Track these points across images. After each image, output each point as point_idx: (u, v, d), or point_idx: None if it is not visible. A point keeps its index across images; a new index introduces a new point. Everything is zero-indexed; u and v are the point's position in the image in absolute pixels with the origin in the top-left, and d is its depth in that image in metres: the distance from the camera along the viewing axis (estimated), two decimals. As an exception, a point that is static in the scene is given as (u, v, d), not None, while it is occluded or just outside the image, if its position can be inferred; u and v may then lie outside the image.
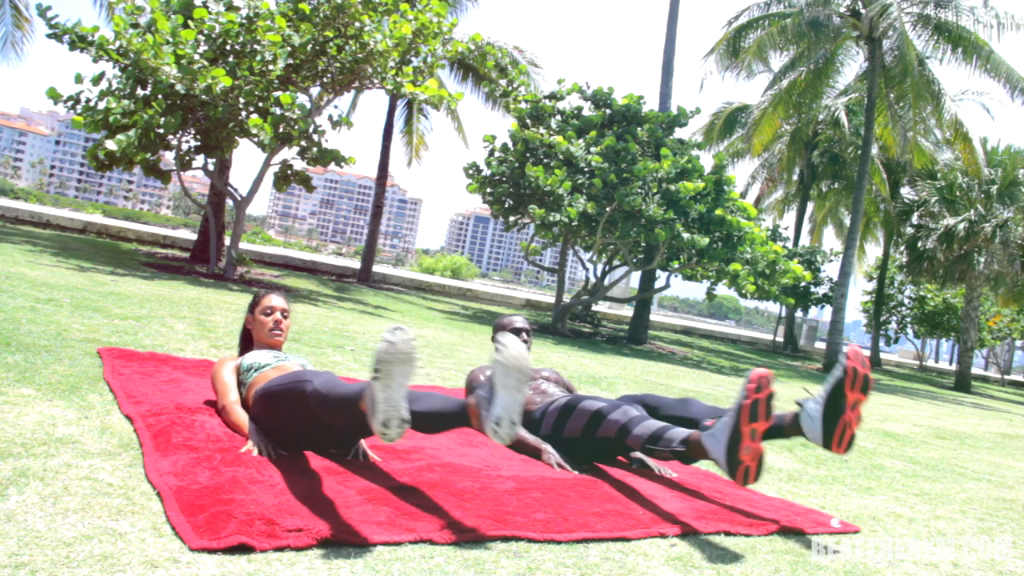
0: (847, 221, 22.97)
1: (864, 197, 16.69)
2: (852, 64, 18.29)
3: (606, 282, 13.33)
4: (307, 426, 2.37)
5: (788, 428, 2.53)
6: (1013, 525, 3.10)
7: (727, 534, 2.29)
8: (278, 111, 8.82)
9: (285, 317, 2.93)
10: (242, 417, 2.51)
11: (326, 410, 2.18)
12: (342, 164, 9.70)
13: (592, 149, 11.22)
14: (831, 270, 35.31)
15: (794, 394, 2.92)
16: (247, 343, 2.98)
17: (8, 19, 14.62)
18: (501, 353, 2.00)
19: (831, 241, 28.03)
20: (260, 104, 8.82)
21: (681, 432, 2.54)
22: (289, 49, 8.74)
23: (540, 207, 10.85)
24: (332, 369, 4.17)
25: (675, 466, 3.14)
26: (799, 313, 21.69)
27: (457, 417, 2.14)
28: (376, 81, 9.38)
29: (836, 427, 2.37)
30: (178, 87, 8.11)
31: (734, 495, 2.79)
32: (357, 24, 8.88)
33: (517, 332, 3.50)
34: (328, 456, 2.43)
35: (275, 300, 2.94)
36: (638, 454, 3.01)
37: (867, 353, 2.47)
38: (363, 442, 2.55)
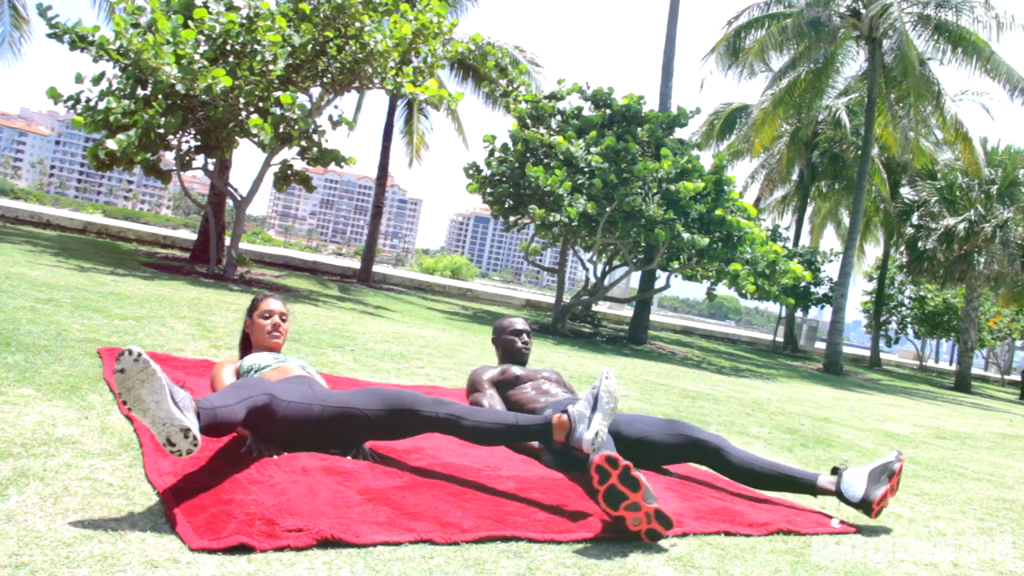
0: (847, 221, 22.97)
1: (864, 197, 16.69)
2: (852, 64, 18.30)
3: (606, 282, 13.33)
4: (303, 431, 2.36)
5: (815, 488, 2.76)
6: (1013, 525, 3.10)
7: (727, 534, 2.29)
8: (278, 111, 8.82)
9: (283, 320, 2.94)
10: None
11: (477, 436, 2.48)
12: (342, 164, 9.70)
13: (592, 149, 11.22)
14: (831, 270, 35.32)
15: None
16: (247, 347, 2.99)
17: (7, 19, 14.63)
18: (609, 379, 2.40)
19: (831, 241, 28.07)
20: (260, 104, 8.82)
21: (810, 475, 2.81)
22: (289, 49, 8.74)
23: (540, 207, 10.85)
24: (331, 370, 4.17)
25: (676, 466, 3.14)
26: (799, 313, 21.69)
27: (539, 431, 2.43)
28: (376, 81, 9.38)
29: (876, 499, 2.61)
30: (178, 87, 8.12)
31: (734, 495, 2.79)
32: (357, 24, 8.88)
33: (518, 333, 3.50)
34: (328, 456, 2.42)
35: (273, 304, 2.95)
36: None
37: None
38: (363, 443, 2.55)
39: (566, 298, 13.29)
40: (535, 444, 2.89)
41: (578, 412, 2.35)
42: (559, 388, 3.29)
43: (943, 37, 15.58)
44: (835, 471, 2.73)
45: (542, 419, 2.44)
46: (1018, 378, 20.08)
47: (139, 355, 1.79)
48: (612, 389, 2.39)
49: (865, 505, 2.60)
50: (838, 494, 2.66)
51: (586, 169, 11.05)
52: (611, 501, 2.12)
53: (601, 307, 18.96)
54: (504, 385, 3.29)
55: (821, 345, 20.83)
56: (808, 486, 2.73)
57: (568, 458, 2.86)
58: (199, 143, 9.24)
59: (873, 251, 26.02)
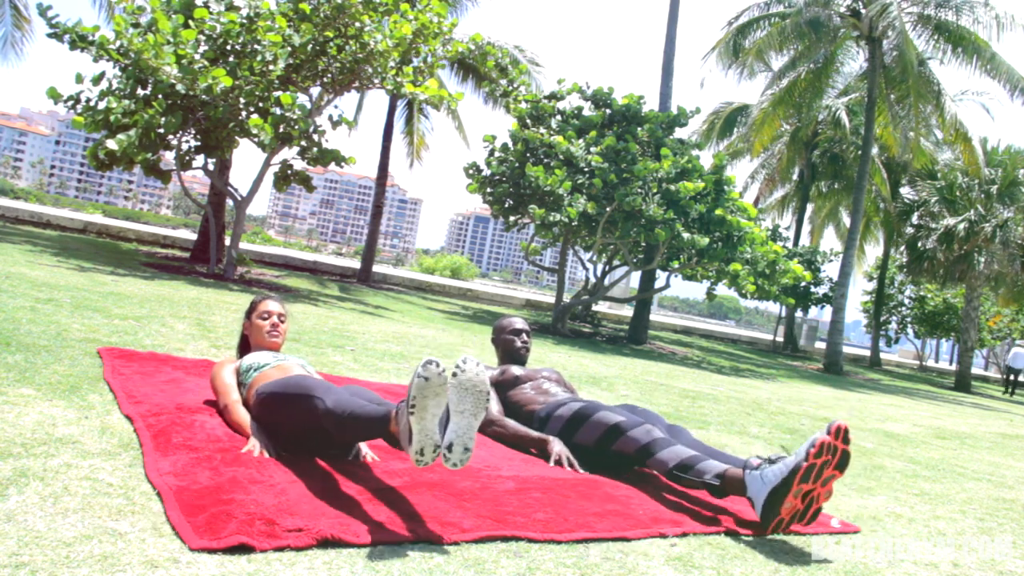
0: (847, 221, 22.98)
1: (864, 197, 16.69)
2: (852, 64, 18.30)
3: (606, 282, 13.33)
4: (311, 431, 2.37)
5: (732, 486, 2.42)
6: (1013, 525, 3.10)
7: (727, 534, 2.29)
8: (278, 111, 8.82)
9: (282, 321, 2.95)
10: (244, 416, 2.52)
11: (344, 431, 2.23)
12: (342, 164, 9.70)
13: (592, 149, 11.22)
14: (831, 270, 35.32)
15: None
16: (245, 349, 2.99)
17: (8, 19, 14.62)
18: (458, 376, 1.95)
19: (831, 241, 28.05)
20: (260, 104, 8.82)
21: (715, 465, 2.49)
22: (289, 49, 8.74)
23: (540, 207, 10.84)
24: (331, 370, 4.17)
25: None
26: (799, 313, 21.69)
27: (376, 427, 2.10)
28: (376, 81, 9.38)
29: (776, 512, 2.28)
30: (178, 87, 8.11)
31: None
32: (357, 24, 8.88)
33: (517, 333, 3.50)
34: (328, 456, 2.43)
35: (271, 305, 2.96)
36: None
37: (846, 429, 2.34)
38: (363, 443, 2.55)
39: (566, 298, 13.29)
40: (539, 437, 2.89)
41: (401, 410, 2.02)
42: (559, 388, 3.29)
43: (943, 37, 15.58)
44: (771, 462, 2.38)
45: (381, 414, 2.12)
46: (1014, 377, 20.07)
47: (443, 371, 1.93)
48: (465, 382, 1.96)
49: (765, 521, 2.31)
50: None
51: (586, 169, 11.04)
52: (806, 477, 2.23)
53: (601, 307, 18.96)
54: (504, 386, 3.29)
55: (821, 345, 20.83)
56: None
57: (578, 460, 2.86)
58: (199, 143, 9.23)
59: (873, 251, 26.03)
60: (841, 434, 2.28)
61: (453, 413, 1.96)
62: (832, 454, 2.27)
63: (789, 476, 2.25)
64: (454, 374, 1.97)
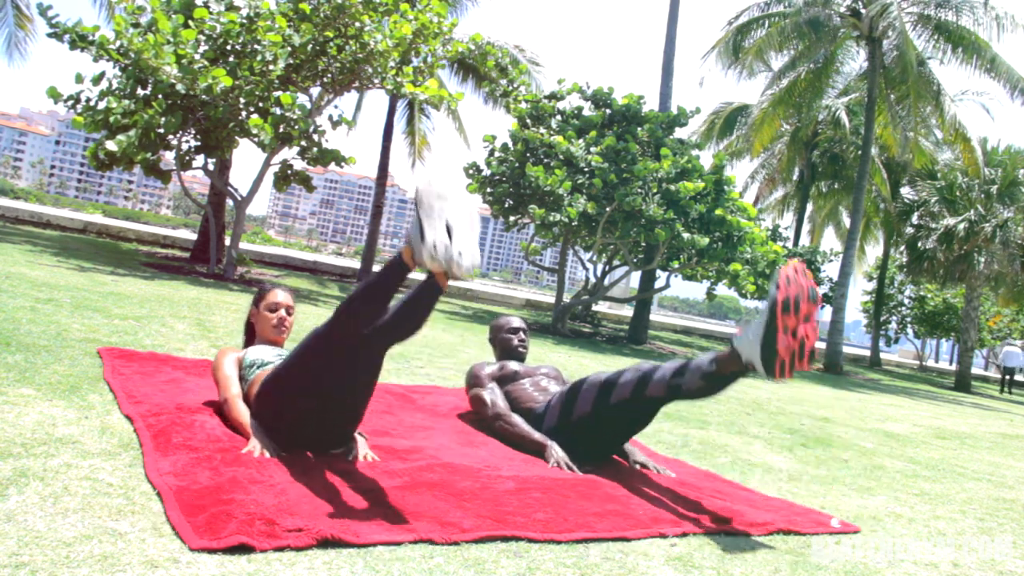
0: (847, 221, 22.98)
1: (864, 197, 16.69)
2: (852, 64, 18.31)
3: (606, 282, 13.33)
4: (312, 413, 2.36)
5: (728, 363, 2.43)
6: (1013, 525, 3.10)
7: (727, 534, 2.29)
8: (278, 111, 8.82)
9: (289, 314, 2.93)
10: (244, 413, 2.50)
11: (366, 300, 2.24)
12: (342, 164, 9.70)
13: (592, 149, 11.22)
14: (831, 270, 35.30)
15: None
16: (251, 336, 2.98)
17: (10, 19, 14.62)
18: (418, 187, 2.09)
19: (831, 241, 28.02)
20: (260, 104, 8.82)
21: (705, 357, 2.51)
22: (289, 49, 8.74)
23: (540, 207, 10.85)
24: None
25: (676, 466, 3.15)
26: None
27: (397, 269, 2.19)
28: (376, 81, 9.38)
29: (774, 351, 2.28)
30: (178, 87, 8.11)
31: (734, 495, 2.79)
32: (357, 24, 8.88)
33: (514, 331, 3.51)
34: (328, 456, 2.43)
35: (280, 296, 2.93)
36: (640, 458, 3.00)
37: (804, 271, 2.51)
38: (363, 443, 2.55)
39: (566, 298, 13.29)
40: (539, 440, 2.89)
41: (410, 233, 2.14)
42: (558, 385, 3.29)
43: (943, 37, 15.59)
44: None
45: (395, 258, 2.22)
46: (1019, 378, 20.10)
47: (444, 176, 2.12)
48: (422, 189, 2.09)
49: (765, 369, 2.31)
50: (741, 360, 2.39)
51: (586, 169, 11.05)
52: (786, 308, 2.24)
53: (601, 307, 18.96)
54: (503, 381, 3.29)
55: (821, 345, 20.83)
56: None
57: (582, 440, 2.86)
58: (199, 143, 9.23)
59: (873, 251, 26.04)
60: (799, 269, 2.32)
61: (423, 220, 2.07)
62: (800, 286, 2.30)
63: (771, 313, 2.27)
64: (416, 188, 2.13)
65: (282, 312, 2.90)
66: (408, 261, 2.16)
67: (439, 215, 2.07)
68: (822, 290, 19.47)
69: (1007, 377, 19.76)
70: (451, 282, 2.13)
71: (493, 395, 3.19)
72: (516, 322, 3.54)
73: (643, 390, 2.65)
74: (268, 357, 2.72)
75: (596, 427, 2.82)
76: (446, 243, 2.04)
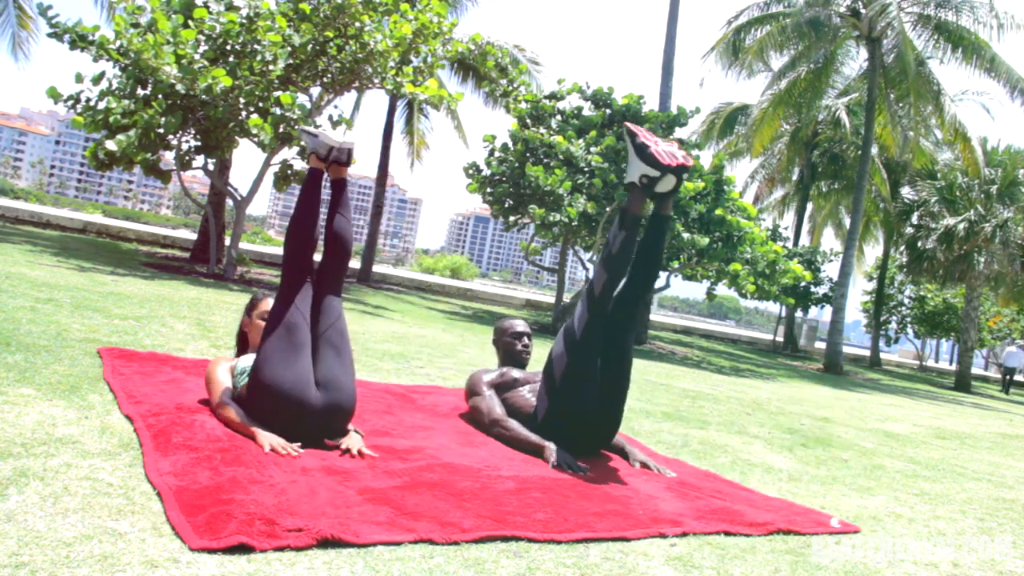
0: (847, 221, 22.98)
1: (864, 197, 16.69)
2: (852, 64, 18.31)
3: (606, 282, 13.31)
4: (292, 386, 2.45)
5: (633, 202, 2.98)
6: (1013, 525, 3.10)
7: (727, 534, 2.29)
8: (278, 111, 8.82)
9: None
10: (238, 413, 2.51)
11: (300, 218, 2.77)
12: (342, 164, 9.68)
13: (592, 149, 11.22)
14: (831, 270, 35.31)
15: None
16: (243, 345, 2.98)
17: (12, 19, 14.62)
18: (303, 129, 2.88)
19: (831, 241, 28.02)
20: (260, 104, 8.81)
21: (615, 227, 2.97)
22: (289, 49, 8.74)
23: (540, 207, 10.84)
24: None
25: (676, 466, 3.15)
26: (799, 313, 21.69)
27: (311, 179, 2.83)
28: (376, 81, 9.37)
29: (645, 147, 2.83)
30: (178, 87, 8.11)
31: (734, 495, 2.79)
32: (357, 24, 8.88)
33: (519, 336, 3.50)
34: (328, 456, 2.43)
35: (271, 305, 2.94)
36: (640, 458, 3.01)
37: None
38: (359, 439, 2.55)
39: (566, 298, 13.29)
40: (537, 442, 2.89)
41: (308, 139, 2.84)
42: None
43: (943, 37, 15.59)
44: None
45: (308, 171, 2.88)
46: (1019, 378, 20.13)
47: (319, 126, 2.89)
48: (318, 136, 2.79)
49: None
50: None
51: (586, 169, 11.05)
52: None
53: (601, 307, 18.91)
54: (502, 388, 3.29)
55: (821, 345, 20.84)
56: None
57: (570, 404, 2.88)
58: (199, 143, 9.23)
59: (873, 251, 26.05)
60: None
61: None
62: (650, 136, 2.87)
63: (630, 138, 2.86)
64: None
65: None
66: (317, 165, 2.79)
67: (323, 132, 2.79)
68: (822, 290, 19.49)
69: (1008, 377, 19.80)
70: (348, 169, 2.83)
71: (490, 402, 3.19)
72: (521, 327, 3.53)
73: (592, 296, 2.89)
74: None
75: (579, 382, 2.89)
76: (336, 132, 2.76)
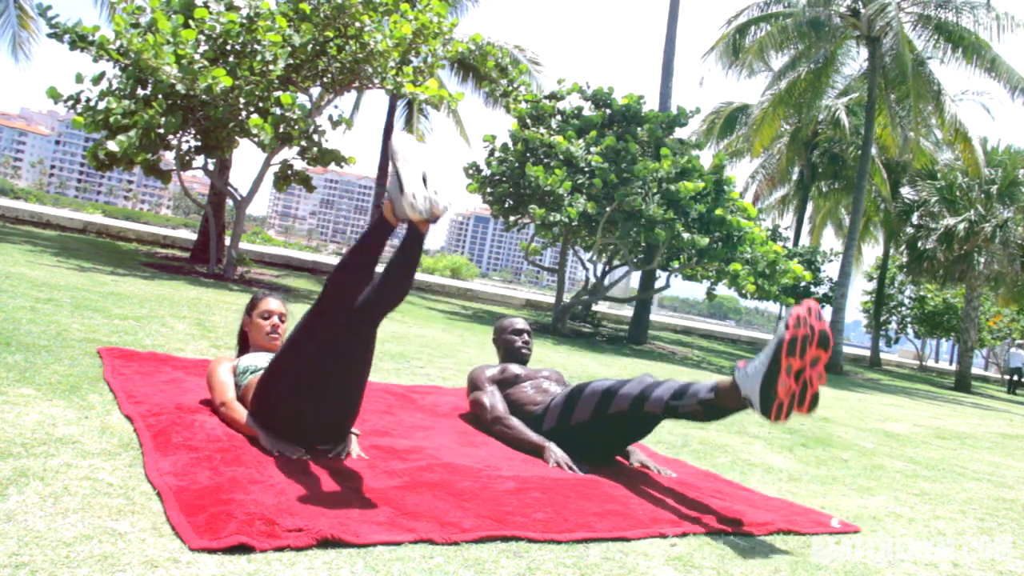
0: (847, 221, 22.99)
1: (864, 197, 16.69)
2: (852, 64, 18.32)
3: (606, 282, 13.33)
4: (308, 405, 2.37)
5: (726, 395, 2.42)
6: (1013, 525, 3.10)
7: (727, 534, 2.29)
8: (278, 111, 8.82)
9: (282, 321, 2.94)
10: (242, 413, 2.51)
11: (352, 265, 2.33)
12: (342, 164, 9.70)
13: (592, 149, 11.22)
14: (831, 270, 35.31)
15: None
16: (244, 345, 2.98)
17: (13, 20, 14.62)
18: (393, 142, 2.20)
19: (831, 241, 28.03)
20: (260, 104, 8.81)
21: (707, 383, 2.48)
22: (289, 49, 8.74)
23: (540, 207, 10.84)
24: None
25: (676, 466, 3.15)
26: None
27: (379, 228, 2.31)
28: (376, 81, 9.37)
29: (773, 393, 2.22)
30: (178, 87, 8.11)
31: (734, 495, 2.79)
32: (357, 24, 8.88)
33: (519, 333, 3.51)
34: (327, 456, 2.43)
35: (272, 304, 2.94)
36: (640, 458, 3.01)
37: (822, 312, 2.43)
38: (355, 441, 2.55)
39: (566, 298, 13.29)
40: (537, 442, 2.89)
41: (392, 185, 2.21)
42: (559, 388, 3.29)
43: (943, 37, 15.59)
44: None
45: (377, 218, 2.34)
46: (1016, 377, 20.14)
47: (414, 138, 2.23)
48: (396, 144, 2.21)
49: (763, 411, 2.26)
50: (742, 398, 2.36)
51: (586, 169, 11.04)
52: (791, 350, 2.19)
53: (601, 307, 18.95)
54: (504, 384, 3.29)
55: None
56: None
57: (579, 444, 2.86)
58: (199, 143, 9.23)
59: (873, 251, 26.05)
60: (813, 311, 2.27)
61: (400, 170, 2.16)
62: (810, 329, 2.24)
63: (775, 352, 2.22)
64: (397, 144, 2.22)
65: (275, 319, 2.90)
66: (390, 217, 2.25)
67: (415, 166, 2.17)
68: (822, 290, 19.48)
69: (1013, 378, 19.84)
70: (432, 226, 2.29)
71: (492, 399, 3.19)
72: (520, 324, 3.54)
73: (641, 406, 2.64)
74: (261, 363, 2.72)
75: (593, 434, 2.82)
76: (424, 193, 2.14)
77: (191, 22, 8.45)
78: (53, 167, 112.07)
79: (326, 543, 1.75)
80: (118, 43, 8.26)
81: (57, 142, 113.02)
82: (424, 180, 2.15)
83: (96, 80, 8.73)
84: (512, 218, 12.40)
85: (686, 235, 10.57)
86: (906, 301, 26.28)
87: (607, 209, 10.83)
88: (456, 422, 3.28)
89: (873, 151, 17.49)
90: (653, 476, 2.88)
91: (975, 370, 26.56)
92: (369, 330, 2.39)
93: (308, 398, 2.38)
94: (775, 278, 11.58)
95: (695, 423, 3.01)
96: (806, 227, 25.97)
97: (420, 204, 2.12)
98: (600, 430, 2.80)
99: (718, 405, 2.44)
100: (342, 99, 15.62)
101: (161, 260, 10.45)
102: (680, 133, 12.75)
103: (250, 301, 2.98)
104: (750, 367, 2.32)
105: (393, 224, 2.27)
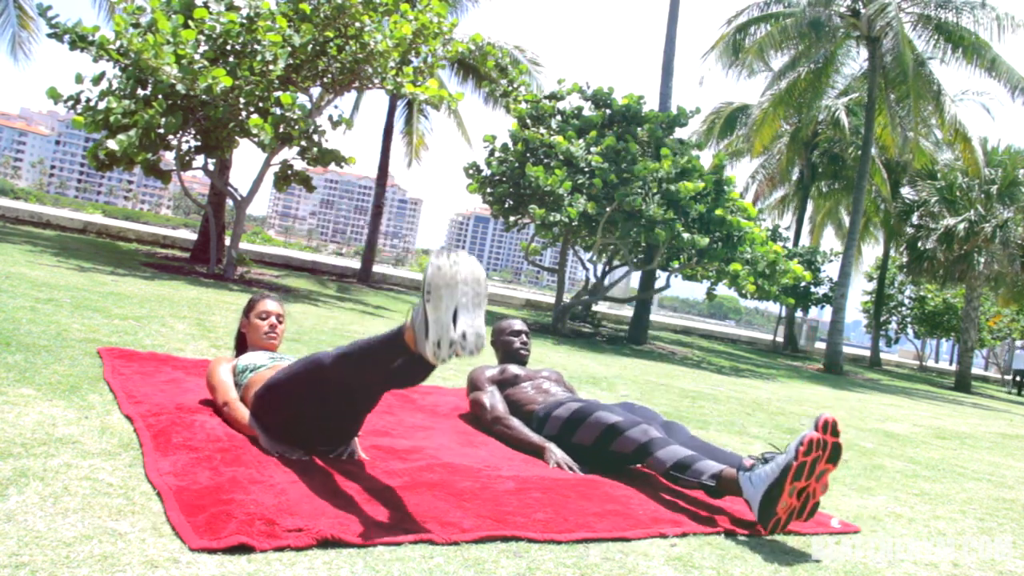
0: (847, 221, 22.99)
1: (864, 197, 16.69)
2: (852, 64, 18.31)
3: (606, 282, 13.33)
4: (307, 415, 2.35)
5: (728, 488, 2.43)
6: (1013, 525, 3.10)
7: (727, 534, 2.29)
8: (278, 111, 8.82)
9: (280, 321, 2.94)
10: (244, 413, 2.51)
11: (362, 363, 2.17)
12: (342, 164, 9.70)
13: (592, 149, 11.22)
14: (831, 270, 35.33)
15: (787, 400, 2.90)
16: (242, 347, 2.98)
17: (13, 19, 14.62)
18: (456, 268, 1.92)
19: (831, 241, 28.04)
20: (260, 104, 8.82)
21: (712, 466, 2.48)
22: (289, 49, 8.74)
23: (540, 207, 10.84)
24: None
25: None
26: (799, 313, 21.69)
27: (396, 348, 2.08)
28: (376, 81, 9.37)
29: (772, 512, 2.27)
30: (179, 87, 8.11)
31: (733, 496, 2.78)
32: (357, 24, 8.88)
33: (516, 334, 3.51)
34: (327, 456, 2.43)
35: (270, 304, 2.94)
36: None
37: (836, 420, 2.32)
38: (355, 441, 2.55)
39: (566, 298, 13.29)
40: (538, 443, 2.89)
41: (415, 319, 1.97)
42: (559, 387, 3.29)
43: (943, 37, 15.59)
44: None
45: (393, 331, 2.11)
46: (1017, 378, 20.18)
47: (456, 262, 1.92)
48: (434, 277, 1.92)
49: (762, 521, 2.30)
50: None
51: (586, 169, 11.04)
52: (798, 475, 2.22)
53: (601, 307, 18.95)
54: (503, 384, 3.29)
55: (821, 345, 20.85)
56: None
57: (577, 459, 2.85)
58: (199, 143, 9.23)
59: (873, 251, 26.06)
60: (829, 428, 2.27)
61: (429, 310, 1.93)
62: (823, 449, 2.26)
63: (781, 476, 2.24)
64: (427, 269, 1.95)
65: (272, 319, 2.91)
66: (410, 344, 2.04)
67: (447, 307, 1.94)
68: (822, 290, 19.49)
69: (1018, 379, 19.94)
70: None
71: (492, 399, 3.19)
72: (518, 325, 3.54)
73: (643, 458, 2.65)
74: (261, 361, 2.72)
75: (590, 459, 2.82)
76: (451, 338, 1.92)
77: (191, 22, 8.45)
78: (53, 167, 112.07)
79: (326, 543, 1.75)
80: (118, 43, 8.26)
81: (57, 142, 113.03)
82: (455, 318, 1.92)
83: (96, 80, 8.73)
84: (512, 218, 12.40)
85: (686, 235, 10.57)
86: (906, 301, 26.28)
87: (607, 209, 10.83)
88: (456, 422, 3.28)
89: (873, 151, 17.49)
90: (653, 476, 2.88)
91: (975, 370, 26.55)
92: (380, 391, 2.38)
93: (313, 416, 2.37)
94: (775, 278, 11.58)
95: (696, 424, 3.01)
96: (806, 227, 25.97)
97: (444, 353, 1.93)
98: (598, 458, 2.80)
99: (718, 494, 2.48)
100: (342, 99, 15.61)
101: (161, 260, 10.45)
102: (680, 133, 12.75)
103: (247, 303, 2.99)
104: (755, 476, 2.33)
105: (411, 351, 2.05)
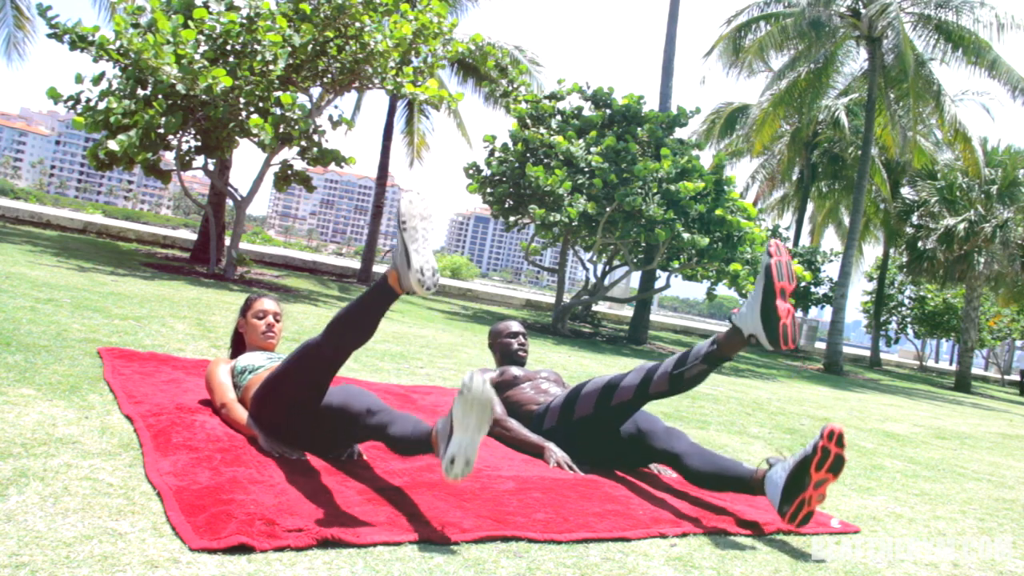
0: (847, 221, 22.99)
1: (864, 197, 16.69)
2: (852, 64, 18.31)
3: (606, 282, 13.33)
4: (306, 410, 2.36)
5: (728, 341, 2.50)
6: (1013, 525, 3.10)
7: (727, 534, 2.29)
8: (278, 111, 8.82)
9: (277, 320, 2.93)
10: (243, 414, 2.51)
11: (352, 326, 2.25)
12: (342, 164, 9.70)
13: (592, 149, 11.22)
14: (831, 270, 35.33)
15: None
16: (239, 346, 2.98)
17: (10, 20, 14.63)
18: (464, 393, 1.95)
19: (831, 241, 28.08)
20: (260, 104, 8.82)
21: (703, 343, 2.58)
22: (289, 49, 8.74)
23: (540, 207, 10.84)
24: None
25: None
26: (799, 313, 21.70)
27: (423, 445, 2.13)
28: (376, 81, 9.37)
29: (794, 501, 2.30)
30: (179, 87, 8.11)
31: (734, 495, 2.78)
32: (357, 24, 8.88)
33: (514, 335, 3.51)
34: (328, 457, 2.43)
35: (267, 304, 2.93)
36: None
37: (842, 430, 2.41)
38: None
39: (566, 298, 13.29)
40: (537, 442, 2.89)
41: (441, 431, 2.03)
42: (558, 388, 3.29)
43: (943, 37, 15.59)
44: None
45: (381, 283, 2.22)
46: (1017, 377, 20.21)
47: (485, 384, 1.93)
48: (469, 399, 1.95)
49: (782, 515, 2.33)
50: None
51: (586, 169, 11.04)
52: (780, 274, 2.34)
53: (601, 307, 18.96)
54: (503, 386, 3.29)
55: (821, 345, 20.84)
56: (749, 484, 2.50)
57: (581, 441, 2.86)
58: (199, 143, 9.23)
59: (873, 251, 26.05)
60: (835, 438, 2.28)
61: (456, 427, 1.96)
62: (785, 255, 2.37)
63: (766, 278, 2.37)
64: (460, 390, 1.97)
65: (270, 319, 2.90)
66: (395, 286, 2.15)
67: (423, 236, 2.09)
68: (822, 290, 19.50)
69: (1022, 379, 20.09)
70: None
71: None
72: (515, 326, 3.55)
73: (645, 391, 2.67)
74: (259, 361, 2.71)
75: (595, 429, 2.82)
76: (433, 266, 2.06)
77: (191, 22, 8.45)
78: (53, 167, 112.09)
79: (326, 543, 1.75)
80: (118, 43, 8.26)
81: (57, 142, 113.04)
82: (447, 440, 1.98)
83: (96, 80, 8.73)
84: (512, 218, 12.40)
85: (686, 235, 10.57)
86: (906, 301, 26.28)
87: (607, 209, 10.83)
88: (456, 422, 3.27)
89: (873, 151, 17.49)
90: (653, 476, 2.88)
91: (975, 370, 26.55)
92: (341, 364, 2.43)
93: (311, 419, 2.38)
94: (775, 278, 11.56)
95: (696, 424, 3.00)
96: (806, 227, 25.99)
97: (428, 279, 2.06)
98: (602, 424, 2.80)
99: (721, 355, 2.52)
100: (342, 99, 15.60)
101: (161, 260, 10.45)
102: (680, 133, 12.75)
103: (244, 302, 2.98)
104: (745, 306, 2.41)
105: (398, 293, 2.17)
